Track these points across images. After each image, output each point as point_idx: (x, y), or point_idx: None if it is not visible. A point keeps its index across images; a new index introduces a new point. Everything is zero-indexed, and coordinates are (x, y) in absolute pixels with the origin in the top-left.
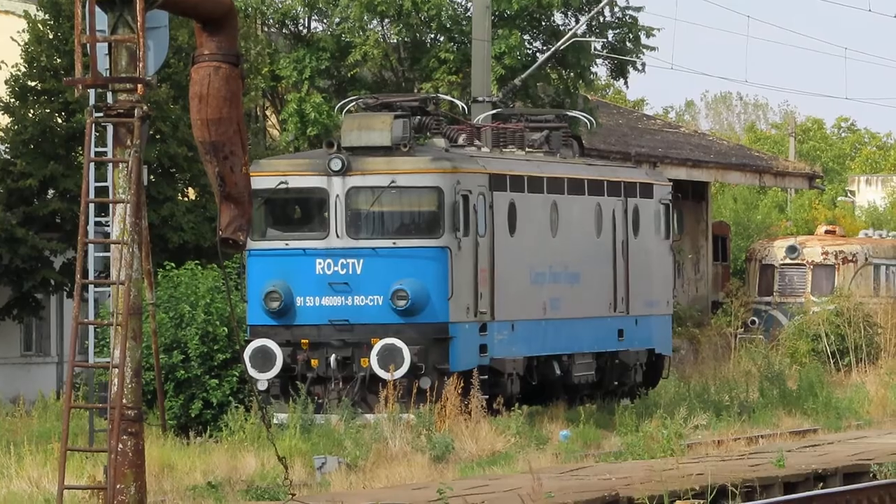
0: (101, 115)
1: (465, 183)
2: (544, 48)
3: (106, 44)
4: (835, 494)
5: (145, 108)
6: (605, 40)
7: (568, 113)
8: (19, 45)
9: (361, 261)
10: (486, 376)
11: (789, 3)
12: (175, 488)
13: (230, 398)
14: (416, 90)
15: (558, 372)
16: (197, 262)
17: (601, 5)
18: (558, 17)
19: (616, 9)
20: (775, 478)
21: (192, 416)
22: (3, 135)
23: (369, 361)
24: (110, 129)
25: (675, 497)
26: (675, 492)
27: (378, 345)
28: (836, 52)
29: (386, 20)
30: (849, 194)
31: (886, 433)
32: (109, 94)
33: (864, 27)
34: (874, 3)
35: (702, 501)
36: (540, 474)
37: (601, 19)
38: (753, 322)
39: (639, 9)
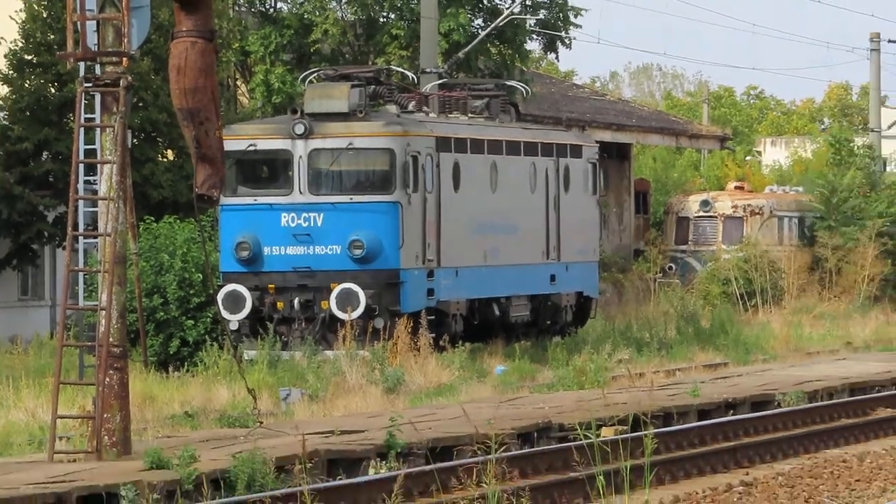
0: (89, 85)
1: (415, 145)
2: (485, 25)
3: (94, 21)
4: (744, 421)
5: (129, 78)
6: (538, 18)
7: (506, 82)
8: (17, 22)
9: (322, 214)
10: (433, 317)
11: None
12: (156, 417)
13: (205, 337)
14: (370, 63)
15: (497, 313)
16: (175, 216)
17: None
18: None
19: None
20: (690, 406)
21: (171, 353)
22: (1, 103)
23: (329, 304)
24: (98, 97)
25: (601, 424)
26: (602, 419)
27: (336, 289)
28: (745, 27)
29: (343, 1)
30: (756, 154)
31: (790, 366)
32: (97, 67)
33: (770, 4)
34: None
35: (624, 427)
36: (480, 403)
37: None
38: (671, 268)
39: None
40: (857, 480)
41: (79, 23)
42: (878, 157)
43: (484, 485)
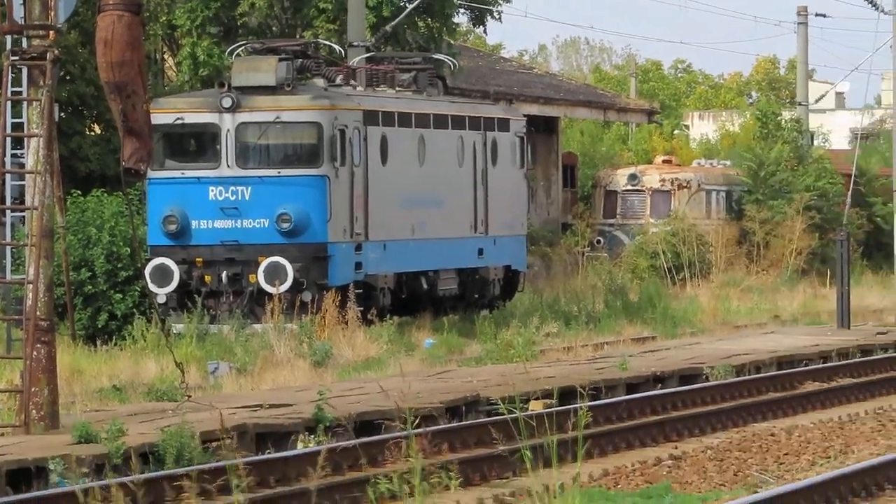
0: (16, 58)
1: (342, 118)
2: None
3: None
4: (672, 394)
5: (56, 52)
6: None
7: (433, 56)
8: None
9: (249, 188)
10: (361, 290)
11: None
12: (84, 391)
13: (133, 310)
14: (298, 36)
15: (425, 286)
16: (102, 189)
17: None
18: None
19: None
20: (619, 379)
21: (99, 326)
22: None
23: (257, 277)
24: (25, 71)
25: (528, 398)
26: (528, 393)
27: (264, 262)
28: (673, 0)
29: None
30: (683, 128)
31: (717, 340)
32: (24, 40)
33: None
34: None
35: (550, 401)
36: (409, 377)
37: None
38: (599, 241)
39: None
40: (786, 454)
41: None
42: (805, 131)
43: (411, 459)
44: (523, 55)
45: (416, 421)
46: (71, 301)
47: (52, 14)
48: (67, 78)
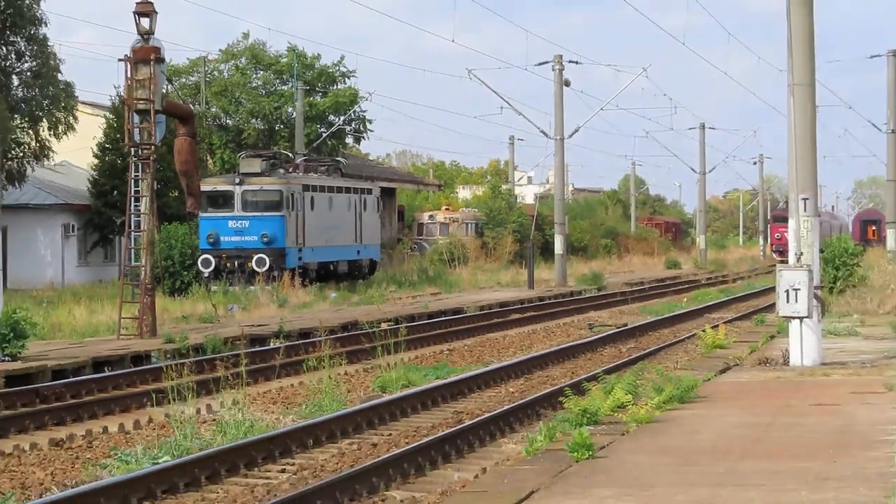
0: (136, 158)
1: (292, 188)
2: (325, 131)
3: (138, 129)
4: (449, 321)
5: (154, 156)
6: (350, 127)
7: (336, 158)
8: (102, 126)
9: (248, 221)
10: (302, 270)
11: None
12: (169, 318)
13: (193, 280)
14: (271, 148)
15: (332, 269)
16: (177, 222)
17: (349, 114)
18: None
19: (357, 111)
20: (424, 313)
21: (176, 287)
22: (98, 166)
23: (252, 264)
24: (140, 164)
25: (380, 321)
26: (380, 319)
27: (255, 257)
28: (462, 129)
29: (259, 119)
30: (455, 193)
31: (472, 294)
32: (140, 150)
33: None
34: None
35: (391, 323)
36: (323, 312)
37: (352, 118)
38: (414, 248)
39: (364, 112)
40: (503, 348)
41: (131, 129)
42: (514, 195)
43: (324, 350)
44: (379, 158)
45: (327, 332)
46: (162, 275)
47: (154, 137)
48: (159, 168)
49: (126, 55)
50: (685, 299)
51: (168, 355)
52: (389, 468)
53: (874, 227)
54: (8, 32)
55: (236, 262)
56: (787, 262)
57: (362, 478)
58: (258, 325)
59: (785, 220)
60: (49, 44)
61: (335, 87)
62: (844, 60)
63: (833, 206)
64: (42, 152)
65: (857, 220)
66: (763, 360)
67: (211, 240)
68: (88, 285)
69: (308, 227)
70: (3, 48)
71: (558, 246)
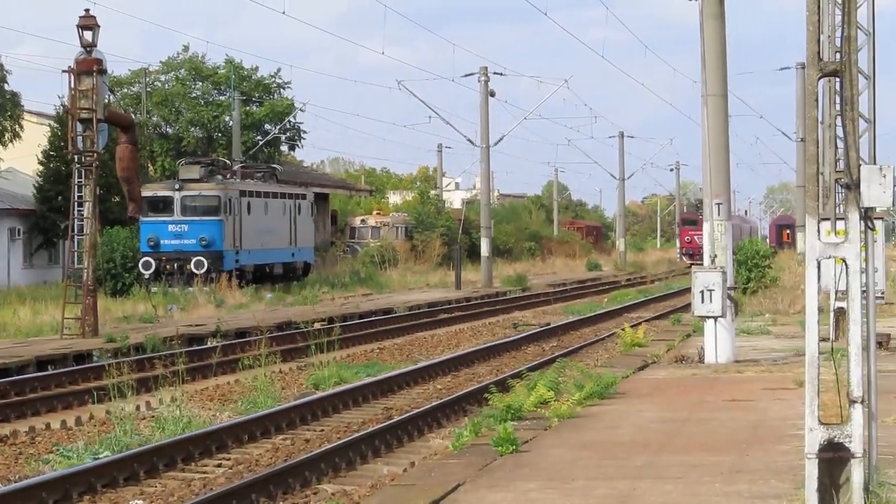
0: (79, 165)
1: (230, 193)
2: (262, 138)
3: (80, 136)
4: (379, 321)
5: (97, 163)
6: (286, 135)
7: (272, 165)
8: (47, 135)
9: (187, 225)
10: (239, 272)
11: None
12: (110, 318)
13: (134, 281)
14: (210, 155)
15: (268, 270)
16: (119, 226)
17: (284, 123)
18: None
19: (292, 121)
20: (356, 312)
21: (118, 288)
22: (42, 173)
23: (190, 266)
24: (83, 171)
25: (314, 321)
26: (314, 319)
27: (193, 259)
28: (401, 140)
29: (198, 127)
30: (386, 198)
31: (401, 295)
32: (84, 157)
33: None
34: None
35: (324, 323)
36: (259, 312)
37: (287, 128)
38: (346, 250)
39: (300, 124)
40: (432, 346)
41: (74, 137)
42: (442, 201)
43: (259, 349)
44: (313, 164)
45: (264, 331)
46: (104, 276)
47: (96, 144)
48: (102, 174)
49: (70, 67)
50: (606, 300)
51: (109, 354)
52: (321, 462)
53: (788, 231)
54: None
55: (176, 265)
56: (695, 265)
57: (295, 472)
58: (196, 325)
59: (693, 222)
60: None
61: (271, 97)
62: (756, 72)
63: (746, 211)
64: None
65: (773, 225)
66: (679, 358)
67: (151, 243)
68: (33, 287)
69: (245, 230)
70: None
71: (484, 249)
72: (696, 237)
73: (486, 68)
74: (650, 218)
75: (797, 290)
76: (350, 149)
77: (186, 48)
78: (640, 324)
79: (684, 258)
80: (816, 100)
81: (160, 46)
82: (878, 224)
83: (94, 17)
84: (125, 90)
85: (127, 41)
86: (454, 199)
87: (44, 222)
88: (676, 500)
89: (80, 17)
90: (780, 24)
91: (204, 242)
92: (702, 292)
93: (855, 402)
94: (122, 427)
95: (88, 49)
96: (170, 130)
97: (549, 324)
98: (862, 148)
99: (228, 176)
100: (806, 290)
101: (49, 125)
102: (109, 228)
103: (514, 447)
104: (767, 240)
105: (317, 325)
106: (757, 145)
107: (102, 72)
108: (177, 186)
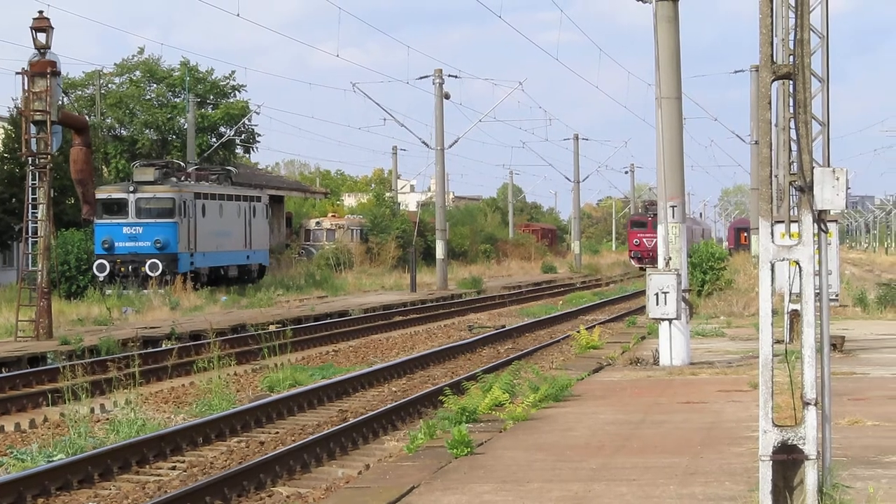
0: (33, 168)
1: (184, 196)
2: (216, 141)
3: (34, 139)
4: (334, 323)
5: (51, 165)
6: (240, 138)
7: (227, 167)
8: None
9: (142, 227)
10: (194, 274)
11: None
12: (65, 321)
13: (88, 284)
14: (164, 158)
15: (223, 273)
16: (74, 228)
17: (239, 125)
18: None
19: (246, 124)
20: (311, 315)
21: (73, 290)
22: None
23: (145, 269)
24: (37, 174)
25: (269, 323)
26: (268, 322)
27: (148, 262)
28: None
29: (153, 130)
30: (341, 200)
31: (356, 297)
32: (38, 158)
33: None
34: None
35: (278, 326)
36: (213, 315)
37: (242, 130)
38: (301, 252)
39: (255, 126)
40: (387, 349)
41: (28, 139)
42: (397, 203)
43: (213, 351)
44: (268, 167)
45: (217, 334)
46: (59, 279)
47: (50, 146)
48: (56, 176)
49: (24, 68)
50: (561, 302)
51: (64, 357)
52: (276, 465)
53: (745, 234)
54: None
55: (130, 267)
56: (645, 269)
57: (250, 474)
58: (151, 328)
59: (642, 224)
60: None
61: (226, 99)
62: (711, 75)
63: (701, 213)
64: None
65: (731, 228)
66: (634, 360)
67: (106, 245)
68: None
69: (199, 233)
70: None
71: (440, 251)
72: (644, 240)
73: (441, 70)
74: (605, 220)
75: (752, 293)
76: (305, 151)
77: (142, 50)
78: (595, 326)
79: (633, 262)
80: (770, 102)
81: (115, 48)
82: (832, 226)
83: (48, 19)
84: (79, 92)
85: (81, 43)
86: (409, 202)
87: None
88: (631, 503)
89: (34, 18)
90: (736, 26)
91: (159, 245)
92: (656, 295)
93: (809, 404)
94: (77, 430)
95: (42, 51)
96: (124, 133)
97: (504, 326)
98: (816, 151)
99: (183, 178)
100: (760, 293)
101: (2, 127)
102: (64, 231)
103: (468, 449)
104: (725, 242)
105: (271, 328)
106: (712, 148)
107: (56, 74)
108: (131, 189)
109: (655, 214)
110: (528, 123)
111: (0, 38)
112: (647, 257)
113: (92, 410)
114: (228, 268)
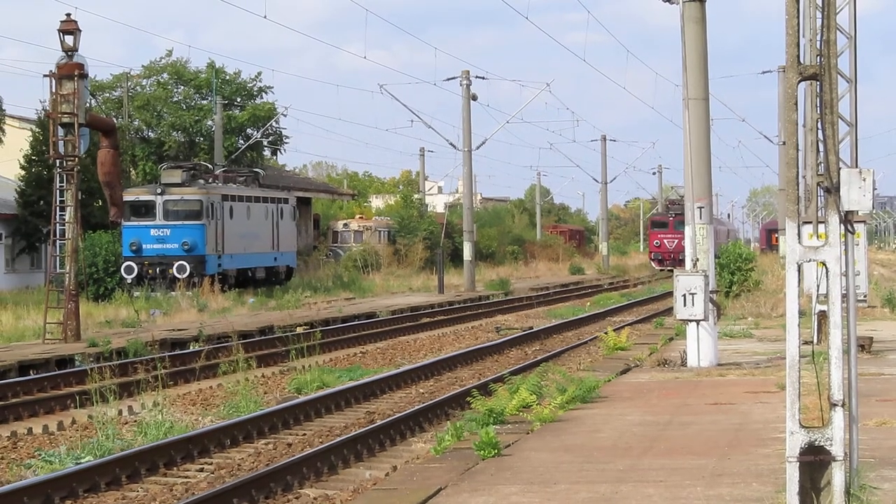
0: (60, 170)
1: (212, 198)
2: (244, 143)
3: (62, 141)
4: (363, 324)
5: (78, 167)
6: (267, 139)
7: (254, 169)
8: (29, 139)
9: (170, 230)
10: (221, 276)
11: None
12: (93, 323)
13: (116, 286)
14: (192, 160)
15: (250, 275)
16: (101, 230)
17: (266, 127)
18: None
19: (273, 126)
20: (338, 317)
21: (100, 293)
22: (24, 177)
23: (173, 271)
24: (65, 175)
25: (296, 325)
26: (297, 324)
27: (176, 264)
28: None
29: (180, 132)
30: (369, 202)
31: (384, 299)
32: (66, 161)
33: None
34: None
35: (306, 328)
36: (241, 317)
37: (269, 132)
38: (329, 254)
39: (283, 129)
40: (414, 350)
41: (56, 142)
42: (425, 204)
43: (239, 353)
44: (296, 168)
45: (240, 336)
46: (86, 281)
47: (78, 149)
48: (84, 179)
49: (51, 71)
50: (588, 303)
51: (91, 359)
52: (304, 467)
53: (776, 235)
54: None
55: (158, 269)
56: (664, 270)
57: (277, 476)
58: (179, 330)
59: (663, 225)
60: None
61: (253, 101)
62: (739, 76)
63: (729, 214)
64: None
65: (763, 230)
66: (662, 362)
67: (134, 247)
68: (15, 292)
69: (227, 235)
70: None
71: (467, 252)
72: (665, 241)
73: (468, 72)
74: (633, 221)
75: (780, 294)
76: (332, 153)
77: (169, 52)
78: (622, 327)
79: (653, 264)
80: (796, 103)
81: (142, 50)
82: (860, 227)
83: (76, 22)
84: (107, 94)
85: (109, 45)
86: (437, 203)
87: (26, 227)
88: None
89: (62, 21)
90: (764, 26)
91: (186, 247)
92: (684, 296)
93: (836, 405)
94: (105, 431)
95: (70, 53)
96: (151, 135)
97: (531, 328)
98: (844, 151)
99: (211, 180)
100: (787, 294)
101: (31, 129)
102: (91, 233)
103: (496, 451)
104: (755, 243)
105: (299, 330)
106: (739, 148)
107: (84, 76)
108: (159, 191)
109: (677, 214)
110: (555, 124)
111: (28, 40)
112: (667, 259)
113: (120, 412)
114: (256, 269)
